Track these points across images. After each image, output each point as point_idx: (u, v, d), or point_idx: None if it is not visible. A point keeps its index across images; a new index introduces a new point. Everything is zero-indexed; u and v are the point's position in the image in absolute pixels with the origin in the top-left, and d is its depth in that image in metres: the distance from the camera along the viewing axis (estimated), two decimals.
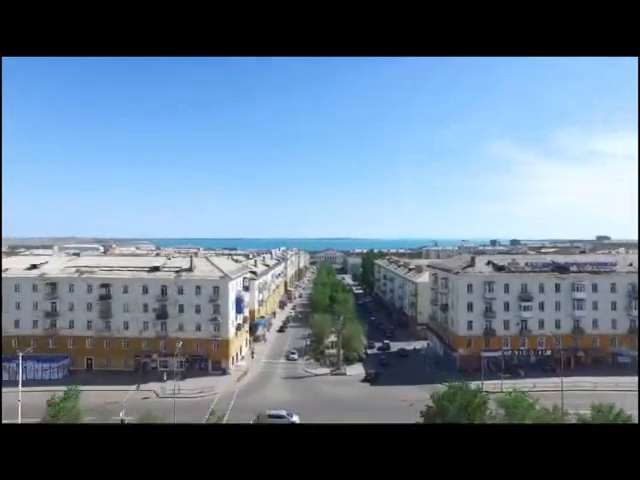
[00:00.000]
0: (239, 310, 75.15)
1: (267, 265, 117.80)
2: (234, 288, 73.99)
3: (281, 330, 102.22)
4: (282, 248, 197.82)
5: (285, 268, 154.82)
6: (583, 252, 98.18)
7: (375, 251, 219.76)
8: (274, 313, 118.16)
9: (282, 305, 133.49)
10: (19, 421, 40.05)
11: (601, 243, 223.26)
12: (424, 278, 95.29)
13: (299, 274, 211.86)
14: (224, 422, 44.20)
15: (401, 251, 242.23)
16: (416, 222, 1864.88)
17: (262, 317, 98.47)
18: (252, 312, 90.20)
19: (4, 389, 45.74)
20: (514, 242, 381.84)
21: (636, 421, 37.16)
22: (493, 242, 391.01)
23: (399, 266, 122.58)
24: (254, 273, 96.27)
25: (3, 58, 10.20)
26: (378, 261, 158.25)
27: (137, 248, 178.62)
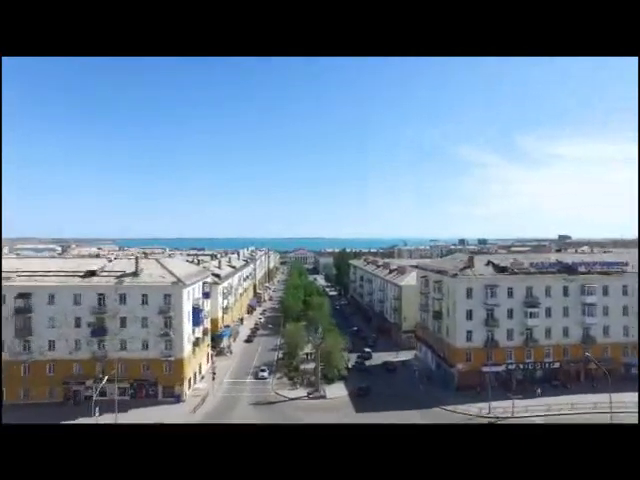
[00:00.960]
0: (197, 322, 62.67)
1: (233, 266, 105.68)
2: (191, 296, 61.49)
3: (249, 340, 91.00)
4: (251, 248, 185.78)
5: (254, 269, 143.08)
6: (558, 250, 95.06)
7: (348, 251, 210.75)
8: (241, 319, 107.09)
9: (250, 310, 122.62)
10: None
11: (564, 242, 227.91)
12: (409, 280, 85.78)
13: (269, 275, 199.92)
14: None
15: (373, 250, 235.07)
16: (385, 221, 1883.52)
17: (227, 326, 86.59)
18: (215, 321, 78.38)
19: None
20: (482, 241, 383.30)
21: None
22: (462, 241, 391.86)
23: (378, 267, 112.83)
24: (217, 276, 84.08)
25: (3, 58, 10.57)
26: (353, 261, 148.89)
27: (99, 249, 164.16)
